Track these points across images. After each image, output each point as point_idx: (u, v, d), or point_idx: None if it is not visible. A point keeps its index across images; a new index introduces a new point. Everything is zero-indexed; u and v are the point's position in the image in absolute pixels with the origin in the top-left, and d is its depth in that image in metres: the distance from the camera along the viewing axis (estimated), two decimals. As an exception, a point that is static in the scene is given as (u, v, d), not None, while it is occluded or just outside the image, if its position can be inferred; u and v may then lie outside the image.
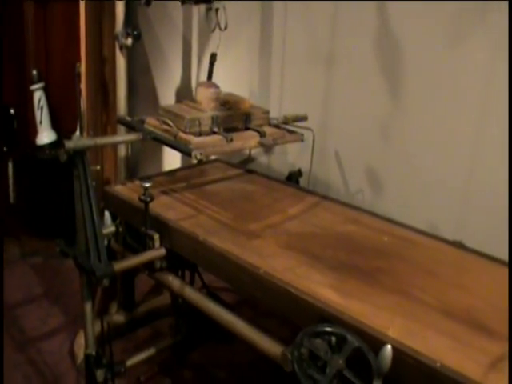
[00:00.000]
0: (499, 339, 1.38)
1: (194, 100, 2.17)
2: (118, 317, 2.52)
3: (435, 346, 1.33)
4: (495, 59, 1.99)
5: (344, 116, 2.52)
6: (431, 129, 2.23)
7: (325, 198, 2.22)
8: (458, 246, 1.85)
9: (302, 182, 2.44)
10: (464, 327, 1.42)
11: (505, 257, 1.76)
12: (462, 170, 2.16)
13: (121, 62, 2.37)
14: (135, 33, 2.31)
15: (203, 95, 2.12)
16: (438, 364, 1.26)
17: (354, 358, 1.33)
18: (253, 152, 2.77)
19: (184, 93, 3.17)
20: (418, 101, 2.25)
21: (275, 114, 2.30)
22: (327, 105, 2.56)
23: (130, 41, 2.32)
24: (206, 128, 1.98)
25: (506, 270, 1.71)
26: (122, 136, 2.36)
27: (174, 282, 1.97)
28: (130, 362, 2.17)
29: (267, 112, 2.21)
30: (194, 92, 2.26)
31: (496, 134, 2.04)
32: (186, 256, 1.92)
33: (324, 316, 1.44)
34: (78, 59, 2.75)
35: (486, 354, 1.32)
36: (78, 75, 1.90)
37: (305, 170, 2.44)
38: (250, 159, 2.77)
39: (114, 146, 2.73)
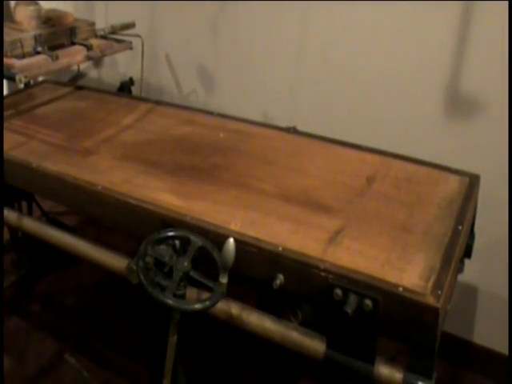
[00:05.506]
0: (335, 214, 1.44)
1: (13, 21, 2.07)
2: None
3: (277, 231, 1.36)
4: None
5: (172, 18, 2.47)
6: (260, 22, 2.22)
7: (158, 103, 2.16)
8: (292, 132, 1.88)
9: (135, 90, 2.38)
10: (303, 209, 1.46)
11: (336, 137, 1.81)
12: (290, 58, 2.18)
13: None
14: None
15: (23, 14, 2.04)
16: (280, 248, 1.29)
17: (201, 257, 1.32)
18: (82, 67, 2.70)
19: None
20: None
21: (102, 25, 2.26)
22: (154, 9, 2.49)
23: None
24: (29, 49, 1.95)
25: (336, 149, 1.78)
26: None
27: (10, 215, 1.85)
28: (-27, 312, 2.06)
29: (93, 24, 2.18)
30: (12, 12, 2.08)
31: (322, 23, 2.06)
32: (21, 186, 1.81)
33: (166, 221, 1.42)
34: None
35: (324, 231, 1.37)
36: None
37: (136, 78, 2.37)
38: (79, 75, 2.69)
39: None
